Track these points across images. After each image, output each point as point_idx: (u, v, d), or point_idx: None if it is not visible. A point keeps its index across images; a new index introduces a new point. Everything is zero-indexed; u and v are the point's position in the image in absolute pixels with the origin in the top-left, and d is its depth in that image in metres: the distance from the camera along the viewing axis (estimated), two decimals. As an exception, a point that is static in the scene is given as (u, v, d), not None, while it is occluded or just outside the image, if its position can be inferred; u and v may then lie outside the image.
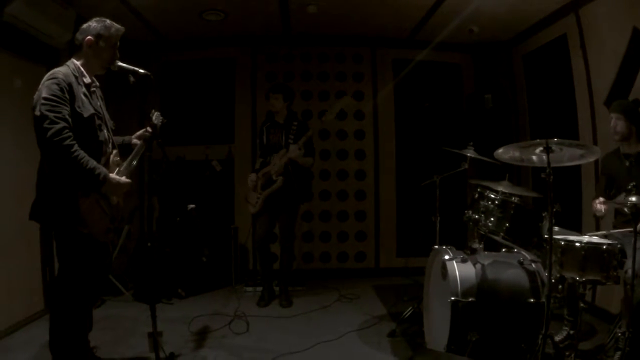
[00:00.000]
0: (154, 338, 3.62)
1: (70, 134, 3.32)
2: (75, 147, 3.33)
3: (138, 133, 4.01)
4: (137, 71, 3.65)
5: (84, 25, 3.70)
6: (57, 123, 3.29)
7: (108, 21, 3.73)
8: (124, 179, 3.68)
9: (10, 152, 4.99)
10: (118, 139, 4.03)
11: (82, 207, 3.44)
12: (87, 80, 3.67)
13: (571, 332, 4.52)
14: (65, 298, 3.64)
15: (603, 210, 4.40)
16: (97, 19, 3.73)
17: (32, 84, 5.08)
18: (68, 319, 3.63)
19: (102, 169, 3.48)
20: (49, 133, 3.25)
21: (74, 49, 3.76)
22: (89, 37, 3.65)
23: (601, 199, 4.45)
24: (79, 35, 3.69)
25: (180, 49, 7.88)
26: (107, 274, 5.46)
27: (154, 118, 4.04)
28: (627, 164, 4.41)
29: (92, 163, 3.41)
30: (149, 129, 3.92)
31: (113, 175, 3.59)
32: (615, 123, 4.44)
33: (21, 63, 5.28)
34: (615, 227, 4.49)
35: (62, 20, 5.59)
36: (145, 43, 7.54)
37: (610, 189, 4.62)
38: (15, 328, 5.07)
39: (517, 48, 7.47)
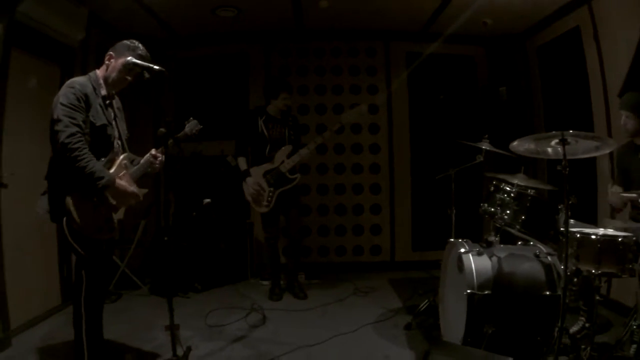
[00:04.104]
0: (171, 331, 3.65)
1: (81, 138, 3.53)
2: (84, 151, 3.52)
3: (146, 155, 4.06)
4: (151, 67, 3.69)
5: (118, 43, 3.89)
6: (70, 127, 3.50)
7: (136, 45, 3.89)
8: (132, 188, 3.83)
9: (28, 149, 5.04)
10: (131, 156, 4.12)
11: (74, 204, 3.59)
12: (104, 92, 3.85)
13: (587, 324, 4.50)
14: (75, 288, 3.83)
15: (616, 199, 4.40)
16: (132, 40, 3.91)
17: (47, 82, 5.17)
18: (78, 311, 3.78)
19: (106, 174, 3.62)
20: (63, 135, 3.48)
21: (102, 61, 3.94)
22: (110, 52, 3.88)
23: (616, 187, 4.44)
24: (109, 51, 3.89)
25: (193, 45, 7.91)
26: (109, 272, 5.56)
27: (187, 127, 4.25)
28: None
29: (97, 167, 3.57)
30: (153, 151, 4.03)
31: (120, 182, 3.74)
32: (625, 121, 4.39)
33: (35, 62, 5.32)
34: (632, 219, 4.47)
35: (74, 18, 5.65)
36: (159, 40, 7.55)
37: (625, 181, 4.60)
38: (33, 323, 5.13)
39: (531, 40, 7.43)
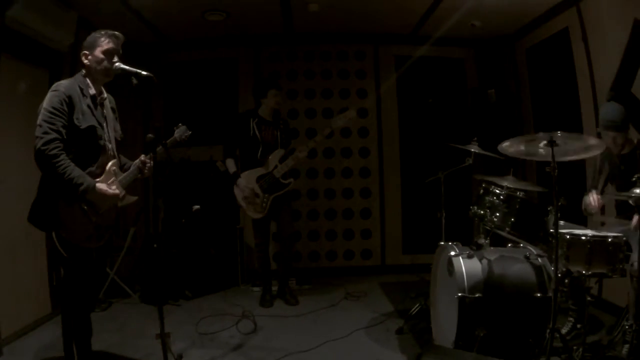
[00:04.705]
0: (162, 339, 3.62)
1: (59, 144, 3.47)
2: (61, 157, 3.46)
3: (136, 161, 4.03)
4: (139, 73, 3.65)
5: (85, 40, 3.82)
6: (49, 134, 3.46)
7: (102, 31, 3.81)
8: (111, 190, 3.72)
9: (18, 155, 4.99)
10: (122, 160, 4.10)
11: (62, 213, 3.56)
12: (92, 92, 3.78)
13: (578, 325, 4.52)
14: (63, 297, 3.91)
15: (596, 205, 4.40)
16: (95, 31, 3.83)
17: (36, 87, 5.14)
18: (66, 318, 3.79)
19: (85, 179, 3.54)
20: (40, 142, 3.44)
21: (79, 64, 3.86)
22: (84, 51, 3.79)
23: (595, 193, 4.45)
24: (79, 52, 3.82)
25: (182, 49, 7.90)
26: (99, 280, 5.55)
27: (176, 132, 4.22)
28: (623, 167, 4.38)
29: (75, 173, 3.50)
30: (143, 157, 4.00)
31: (100, 186, 3.64)
32: (614, 140, 4.35)
33: (25, 67, 5.29)
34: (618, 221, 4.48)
35: (63, 23, 5.63)
36: (148, 44, 7.55)
37: (605, 184, 4.61)
38: (23, 332, 5.08)
39: (520, 42, 7.45)
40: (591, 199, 4.48)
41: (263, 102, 6.16)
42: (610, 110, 4.41)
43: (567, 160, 3.94)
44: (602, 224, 4.30)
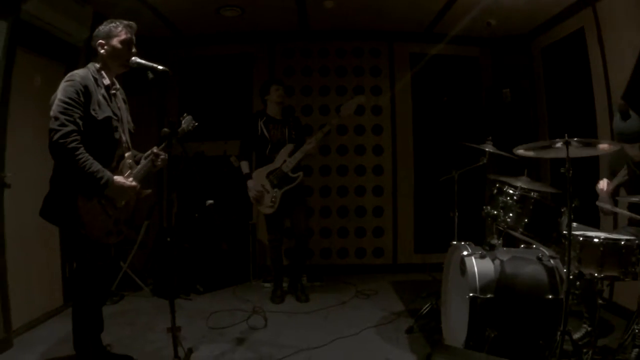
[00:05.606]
0: (173, 333, 3.64)
1: (77, 137, 3.42)
2: (80, 150, 3.42)
3: (147, 152, 4.03)
4: (155, 67, 3.66)
5: (95, 31, 3.81)
6: (67, 126, 3.39)
7: (117, 21, 3.81)
8: (129, 182, 3.73)
9: (31, 149, 5.02)
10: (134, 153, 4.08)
11: (82, 209, 3.52)
12: (107, 82, 3.77)
13: (589, 329, 4.49)
14: (76, 292, 3.84)
15: (604, 189, 4.34)
16: (107, 21, 3.82)
17: (52, 81, 5.14)
18: (79, 313, 3.78)
19: (105, 174, 3.53)
20: (57, 134, 3.37)
21: (92, 54, 3.85)
22: (99, 40, 3.75)
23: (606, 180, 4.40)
24: (92, 42, 3.81)
25: (197, 45, 7.92)
26: (112, 275, 5.58)
27: (183, 122, 4.17)
28: (639, 172, 4.34)
29: (95, 167, 3.47)
30: (155, 149, 3.97)
31: (118, 179, 3.64)
32: None
33: (40, 61, 5.32)
34: (630, 225, 4.45)
35: (79, 17, 5.65)
36: (163, 39, 7.57)
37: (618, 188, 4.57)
38: (35, 323, 5.12)
39: (535, 41, 7.42)
40: (601, 183, 4.43)
41: (268, 100, 6.24)
42: (630, 122, 4.29)
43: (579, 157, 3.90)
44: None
